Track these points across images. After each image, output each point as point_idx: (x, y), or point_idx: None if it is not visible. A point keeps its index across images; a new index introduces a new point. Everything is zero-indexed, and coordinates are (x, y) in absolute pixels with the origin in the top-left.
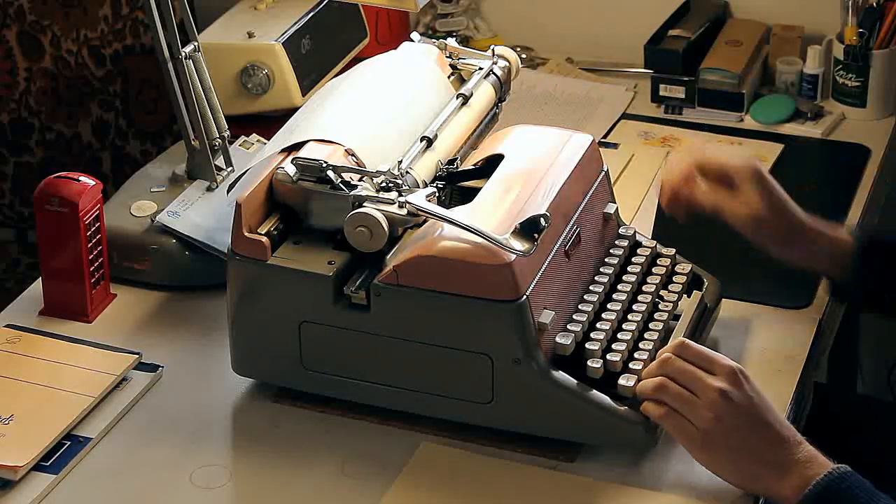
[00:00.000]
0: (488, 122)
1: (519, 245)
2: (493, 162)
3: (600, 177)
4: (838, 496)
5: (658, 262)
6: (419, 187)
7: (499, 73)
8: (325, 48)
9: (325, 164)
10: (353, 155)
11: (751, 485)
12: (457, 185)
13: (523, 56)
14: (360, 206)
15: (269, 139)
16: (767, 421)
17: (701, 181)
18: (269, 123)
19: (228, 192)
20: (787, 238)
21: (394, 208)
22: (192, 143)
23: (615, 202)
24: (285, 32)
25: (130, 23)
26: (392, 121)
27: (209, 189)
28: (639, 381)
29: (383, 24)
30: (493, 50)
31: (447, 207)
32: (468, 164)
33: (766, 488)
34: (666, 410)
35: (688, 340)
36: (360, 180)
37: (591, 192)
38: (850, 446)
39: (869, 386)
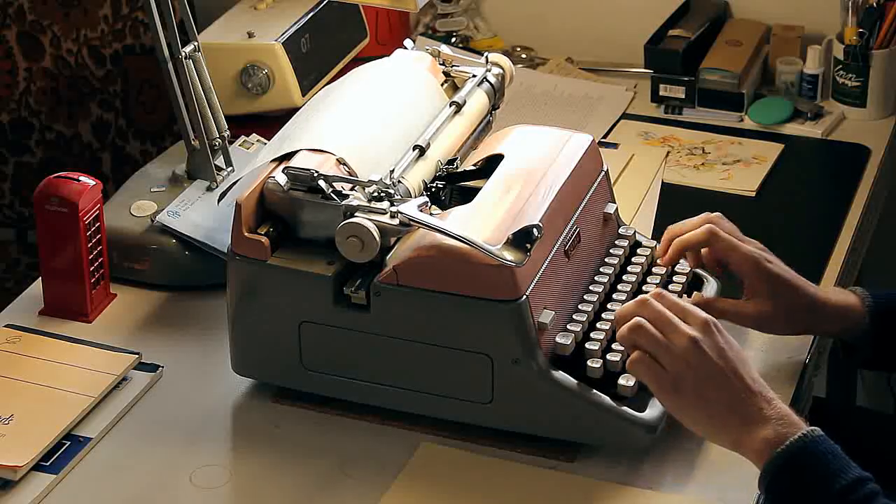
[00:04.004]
0: (482, 130)
1: (511, 256)
2: (493, 162)
3: (600, 177)
4: (812, 457)
5: (658, 262)
6: (411, 196)
7: (492, 80)
8: (325, 48)
9: (316, 174)
10: (344, 164)
11: (717, 435)
12: (457, 184)
13: (523, 56)
14: (352, 215)
15: (269, 139)
16: (738, 372)
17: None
18: (269, 123)
19: (219, 202)
20: (801, 320)
21: (385, 218)
22: (192, 143)
23: (615, 202)
24: (285, 32)
25: (130, 23)
26: (384, 129)
27: (209, 189)
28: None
29: (383, 24)
30: (486, 57)
31: (447, 207)
32: (468, 164)
33: (733, 440)
34: (638, 354)
35: (665, 291)
36: (351, 189)
37: (591, 192)
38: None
39: (869, 389)
